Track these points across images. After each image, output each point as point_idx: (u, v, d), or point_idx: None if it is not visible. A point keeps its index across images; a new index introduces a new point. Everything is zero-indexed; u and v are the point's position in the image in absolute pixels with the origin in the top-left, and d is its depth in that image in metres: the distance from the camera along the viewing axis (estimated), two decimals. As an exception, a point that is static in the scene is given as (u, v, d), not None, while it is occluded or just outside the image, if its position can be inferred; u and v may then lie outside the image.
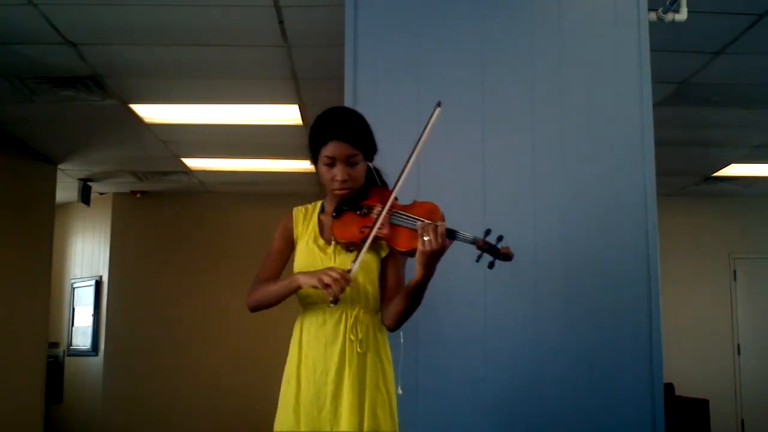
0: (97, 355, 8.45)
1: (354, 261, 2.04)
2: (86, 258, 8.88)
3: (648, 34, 3.11)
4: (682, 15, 3.29)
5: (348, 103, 2.97)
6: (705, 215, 8.72)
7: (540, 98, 3.07)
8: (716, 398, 7.79)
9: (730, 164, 7.23)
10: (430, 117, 2.11)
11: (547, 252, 2.97)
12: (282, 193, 7.80)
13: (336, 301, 1.98)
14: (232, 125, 5.96)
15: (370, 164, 2.19)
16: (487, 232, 1.92)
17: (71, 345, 8.80)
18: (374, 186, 2.22)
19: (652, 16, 3.24)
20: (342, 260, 2.12)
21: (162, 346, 8.31)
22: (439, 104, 2.11)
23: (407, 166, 2.10)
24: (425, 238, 1.91)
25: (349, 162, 2.13)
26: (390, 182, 2.21)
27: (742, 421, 8.38)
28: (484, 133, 3.04)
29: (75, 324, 8.85)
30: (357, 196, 2.18)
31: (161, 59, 4.70)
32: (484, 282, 2.93)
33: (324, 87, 4.84)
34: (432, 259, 1.94)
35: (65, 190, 7.78)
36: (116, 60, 4.69)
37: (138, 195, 8.61)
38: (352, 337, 2.09)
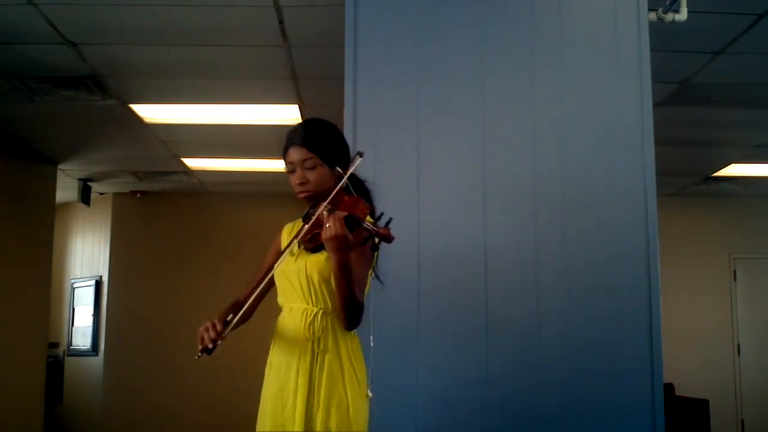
0: (97, 355, 8.45)
1: (256, 285, 2.17)
2: (86, 258, 8.88)
3: (648, 34, 3.12)
4: (682, 15, 3.29)
5: (348, 103, 2.98)
6: (705, 215, 8.71)
7: (540, 98, 3.07)
8: (716, 398, 7.78)
9: (730, 164, 7.22)
10: (351, 163, 2.18)
11: (547, 252, 2.97)
12: (282, 193, 7.73)
13: (205, 350, 2.05)
14: (232, 125, 5.96)
15: (339, 170, 2.15)
16: (379, 216, 2.01)
17: (71, 345, 8.79)
18: (348, 194, 2.18)
19: (652, 16, 3.24)
20: (303, 261, 2.19)
21: (162, 346, 8.30)
22: (360, 154, 2.17)
23: (331, 195, 2.12)
24: (326, 225, 1.99)
25: (305, 166, 2.18)
26: (375, 190, 2.27)
27: (742, 421, 8.37)
28: (484, 133, 3.04)
29: (75, 324, 8.84)
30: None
31: (161, 59, 4.70)
32: (484, 282, 2.93)
33: (324, 87, 4.84)
34: (334, 244, 1.98)
35: (65, 190, 7.77)
36: (116, 60, 4.69)
37: (138, 195, 8.60)
38: (308, 335, 2.14)
